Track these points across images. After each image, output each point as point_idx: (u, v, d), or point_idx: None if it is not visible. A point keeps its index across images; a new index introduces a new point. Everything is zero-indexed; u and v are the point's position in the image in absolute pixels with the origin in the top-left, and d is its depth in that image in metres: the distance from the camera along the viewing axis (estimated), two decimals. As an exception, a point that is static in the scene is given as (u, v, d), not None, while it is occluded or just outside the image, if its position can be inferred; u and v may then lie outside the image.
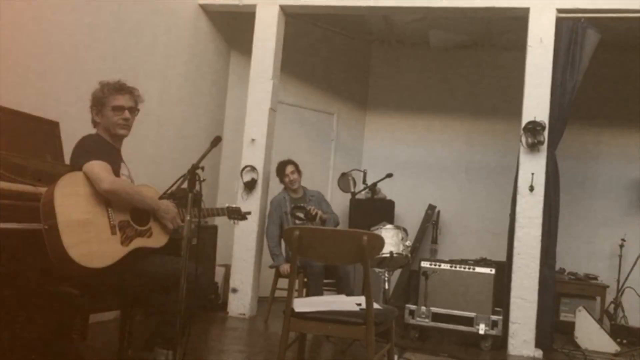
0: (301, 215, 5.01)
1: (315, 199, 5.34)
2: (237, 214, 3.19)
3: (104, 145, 2.89)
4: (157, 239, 2.85)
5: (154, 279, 2.75)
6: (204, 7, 5.76)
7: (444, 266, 4.96)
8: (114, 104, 2.88)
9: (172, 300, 2.62)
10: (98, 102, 2.90)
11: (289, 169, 5.28)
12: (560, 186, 4.98)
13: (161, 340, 2.81)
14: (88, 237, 2.58)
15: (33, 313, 2.83)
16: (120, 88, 2.91)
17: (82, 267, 2.52)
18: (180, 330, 2.55)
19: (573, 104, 4.88)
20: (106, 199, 2.69)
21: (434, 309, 4.85)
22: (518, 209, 4.85)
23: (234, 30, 6.37)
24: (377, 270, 4.36)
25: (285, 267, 4.99)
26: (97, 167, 2.68)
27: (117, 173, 2.85)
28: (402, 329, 4.91)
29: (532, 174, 4.81)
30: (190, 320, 2.65)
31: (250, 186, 5.29)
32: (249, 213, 3.34)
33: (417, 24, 6.54)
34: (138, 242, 2.74)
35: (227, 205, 3.22)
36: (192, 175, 2.64)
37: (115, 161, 2.89)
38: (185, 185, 2.68)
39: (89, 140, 2.88)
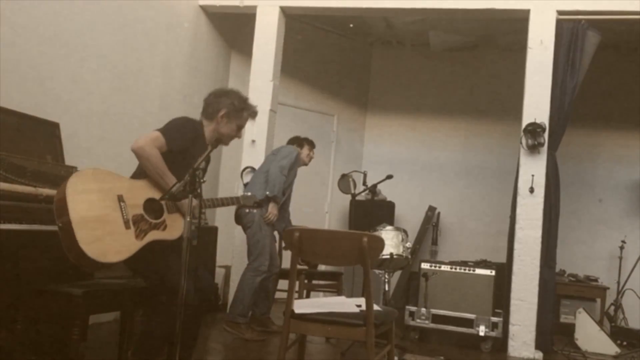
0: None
1: None
2: (250, 201, 3.28)
3: (199, 137, 2.99)
4: (172, 231, 2.84)
5: (159, 278, 2.76)
6: (205, 8, 5.76)
7: (444, 268, 4.96)
8: (243, 124, 3.13)
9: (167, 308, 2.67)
10: (235, 114, 3.06)
11: (313, 151, 5.12)
12: (561, 188, 4.98)
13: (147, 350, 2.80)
14: (102, 232, 2.59)
15: (33, 314, 2.83)
16: (254, 116, 3.17)
17: (98, 263, 2.55)
18: (179, 333, 2.55)
19: (573, 105, 4.88)
20: (118, 194, 2.70)
21: (434, 311, 4.85)
22: (518, 210, 4.85)
23: (235, 31, 6.37)
24: (377, 271, 4.35)
25: (274, 211, 4.61)
26: (154, 136, 2.79)
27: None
28: (402, 330, 4.91)
29: (533, 175, 4.81)
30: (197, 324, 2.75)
31: (250, 187, 5.28)
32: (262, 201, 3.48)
33: (417, 26, 6.54)
34: (153, 235, 2.74)
35: (241, 194, 3.32)
36: (192, 176, 2.64)
37: (195, 157, 2.82)
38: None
39: (190, 125, 2.99)
